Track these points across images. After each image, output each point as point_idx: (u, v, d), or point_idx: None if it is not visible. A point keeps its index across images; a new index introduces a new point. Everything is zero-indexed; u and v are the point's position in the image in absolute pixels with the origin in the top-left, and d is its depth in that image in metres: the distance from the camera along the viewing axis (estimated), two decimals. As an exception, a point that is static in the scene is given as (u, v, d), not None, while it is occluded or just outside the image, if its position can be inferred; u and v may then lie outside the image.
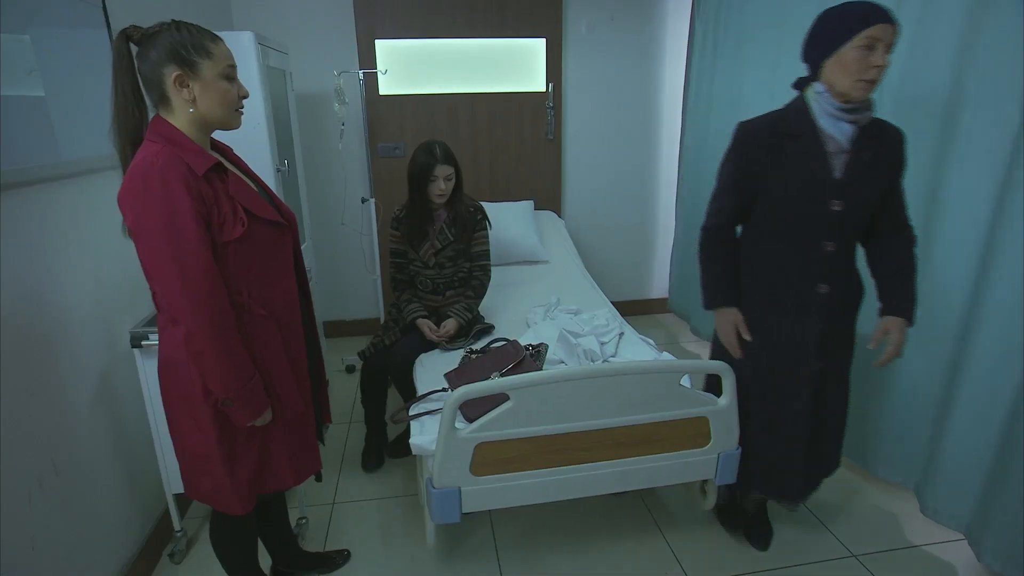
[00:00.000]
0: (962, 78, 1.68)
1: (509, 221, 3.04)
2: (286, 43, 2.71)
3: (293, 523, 1.81)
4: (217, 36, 1.19)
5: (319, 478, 1.53)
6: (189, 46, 1.13)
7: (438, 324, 2.22)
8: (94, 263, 1.64)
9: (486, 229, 2.30)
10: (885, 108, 1.88)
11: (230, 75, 1.19)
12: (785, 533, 1.91)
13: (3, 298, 1.29)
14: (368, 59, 3.07)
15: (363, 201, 3.03)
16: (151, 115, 1.18)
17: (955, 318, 1.78)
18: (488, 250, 2.32)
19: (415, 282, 2.32)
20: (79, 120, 1.59)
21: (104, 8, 1.73)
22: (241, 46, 2.04)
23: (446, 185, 2.13)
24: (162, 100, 1.16)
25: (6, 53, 1.35)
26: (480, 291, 2.29)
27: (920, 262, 1.55)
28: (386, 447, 2.35)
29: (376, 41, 3.06)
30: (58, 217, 1.51)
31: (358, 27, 3.04)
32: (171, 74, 1.12)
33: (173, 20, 1.15)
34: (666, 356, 2.00)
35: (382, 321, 2.84)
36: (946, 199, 1.78)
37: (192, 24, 1.16)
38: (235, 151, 1.36)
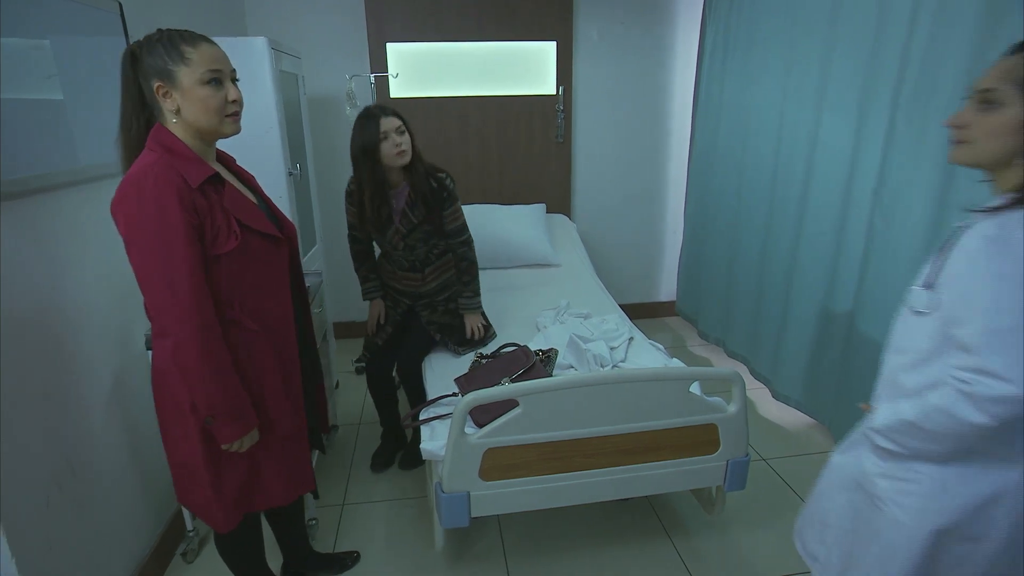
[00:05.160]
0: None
1: (520, 224, 3.04)
2: (299, 48, 2.73)
3: (303, 525, 1.82)
4: (200, 38, 1.14)
5: (316, 495, 1.51)
6: (165, 55, 1.10)
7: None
8: (111, 265, 1.66)
9: (456, 202, 2.09)
10: (899, 111, 1.87)
11: (214, 79, 1.13)
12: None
13: (22, 301, 1.31)
14: (379, 63, 3.09)
15: (373, 204, 3.04)
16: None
17: None
18: (464, 223, 2.13)
19: (391, 260, 2.20)
20: (97, 126, 1.61)
21: (122, 15, 1.76)
22: (255, 51, 2.06)
23: (400, 138, 1.91)
24: (158, 110, 1.16)
25: (26, 57, 1.37)
26: (472, 269, 2.16)
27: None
28: (399, 460, 2.33)
29: (387, 45, 3.08)
30: (76, 221, 1.54)
31: (369, 31, 3.05)
32: (154, 86, 1.12)
33: (159, 29, 1.14)
34: (675, 362, 2.00)
35: None
36: (953, 204, 1.73)
37: (176, 29, 1.14)
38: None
